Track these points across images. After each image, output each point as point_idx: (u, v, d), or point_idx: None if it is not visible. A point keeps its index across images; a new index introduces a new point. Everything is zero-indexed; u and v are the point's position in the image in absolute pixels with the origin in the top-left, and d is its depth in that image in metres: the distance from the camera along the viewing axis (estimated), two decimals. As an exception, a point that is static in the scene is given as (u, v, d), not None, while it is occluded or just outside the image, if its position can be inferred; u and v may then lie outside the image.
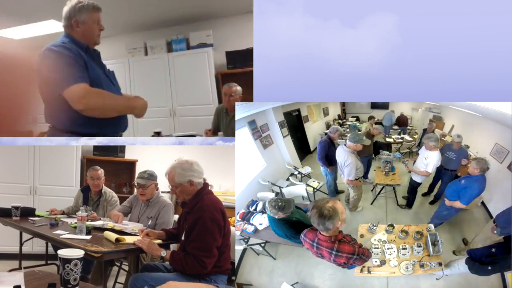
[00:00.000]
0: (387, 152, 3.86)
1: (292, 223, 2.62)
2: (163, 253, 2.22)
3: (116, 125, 2.32)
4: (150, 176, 2.87)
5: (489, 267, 2.38)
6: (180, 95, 4.75)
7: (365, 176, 3.59)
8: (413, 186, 3.39)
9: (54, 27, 4.42)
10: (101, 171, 3.17)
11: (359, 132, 3.67)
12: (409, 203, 3.43)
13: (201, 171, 2.28)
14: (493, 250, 2.39)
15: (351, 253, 2.10)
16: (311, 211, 2.02)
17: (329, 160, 3.53)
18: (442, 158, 3.20)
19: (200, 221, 2.11)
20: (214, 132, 3.55)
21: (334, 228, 2.01)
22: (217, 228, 2.14)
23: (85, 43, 2.21)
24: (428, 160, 3.18)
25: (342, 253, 2.09)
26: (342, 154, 3.22)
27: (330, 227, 1.99)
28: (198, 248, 2.10)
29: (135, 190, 2.99)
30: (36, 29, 4.63)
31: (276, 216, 2.58)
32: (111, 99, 2.19)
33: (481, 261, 2.41)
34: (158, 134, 2.92)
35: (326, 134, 4.55)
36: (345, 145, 3.23)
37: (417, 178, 3.34)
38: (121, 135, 2.43)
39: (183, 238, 2.22)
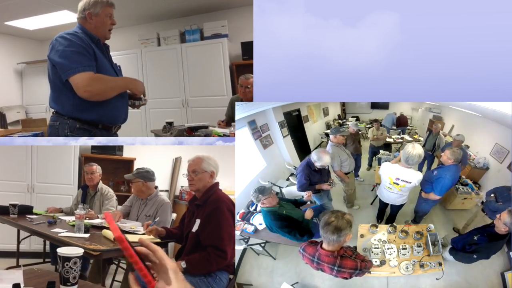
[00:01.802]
0: (387, 152, 3.86)
1: (280, 216, 2.67)
2: (183, 264, 2.13)
3: (116, 116, 2.39)
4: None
5: (474, 256, 2.39)
6: (193, 86, 4.71)
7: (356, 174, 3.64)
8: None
9: (67, 17, 4.40)
10: (95, 166, 3.20)
11: (338, 126, 3.76)
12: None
13: (218, 171, 2.39)
14: (475, 238, 2.39)
15: (353, 268, 2.06)
16: (324, 221, 1.96)
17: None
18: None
19: (218, 211, 2.16)
20: (227, 123, 3.51)
21: (343, 242, 1.99)
22: (232, 219, 2.21)
23: (96, 36, 2.30)
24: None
25: (344, 268, 2.05)
26: (329, 148, 3.30)
27: (341, 239, 1.96)
28: (219, 238, 2.13)
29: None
30: (49, 19, 4.62)
31: (257, 201, 2.64)
32: (111, 81, 2.30)
33: (464, 249, 2.42)
34: (170, 124, 2.93)
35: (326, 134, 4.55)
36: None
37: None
38: (119, 127, 2.48)
39: (193, 230, 2.21)
